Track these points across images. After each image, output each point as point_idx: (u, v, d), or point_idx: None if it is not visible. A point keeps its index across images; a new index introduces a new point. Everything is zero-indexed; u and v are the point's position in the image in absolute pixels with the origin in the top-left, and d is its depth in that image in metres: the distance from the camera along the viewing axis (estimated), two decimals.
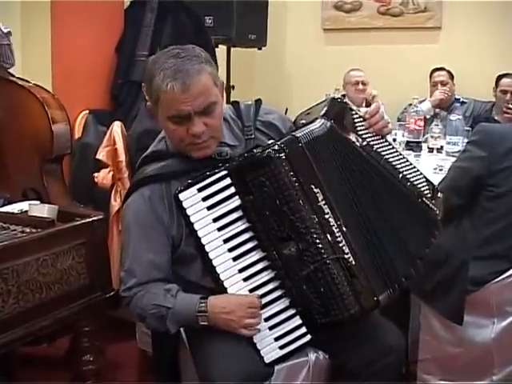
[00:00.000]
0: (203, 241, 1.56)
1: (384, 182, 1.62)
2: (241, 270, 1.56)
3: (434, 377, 2.14)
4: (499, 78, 3.89)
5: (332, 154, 1.57)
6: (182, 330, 1.64)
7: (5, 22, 2.31)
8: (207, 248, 1.56)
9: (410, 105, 3.43)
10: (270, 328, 1.57)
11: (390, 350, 1.59)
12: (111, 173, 2.45)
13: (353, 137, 1.61)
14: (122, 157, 2.40)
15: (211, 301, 1.54)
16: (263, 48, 4.32)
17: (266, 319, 1.57)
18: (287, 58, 5.10)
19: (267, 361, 1.57)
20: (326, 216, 1.52)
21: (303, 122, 1.62)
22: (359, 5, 4.85)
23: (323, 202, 1.52)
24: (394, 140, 3.16)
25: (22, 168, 2.35)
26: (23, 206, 1.93)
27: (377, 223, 1.59)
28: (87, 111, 2.96)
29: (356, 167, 1.59)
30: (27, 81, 2.39)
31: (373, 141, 1.64)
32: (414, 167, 1.71)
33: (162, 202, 1.59)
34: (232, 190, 1.55)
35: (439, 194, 1.73)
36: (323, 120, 1.57)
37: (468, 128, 3.10)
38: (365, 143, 1.61)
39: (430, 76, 4.30)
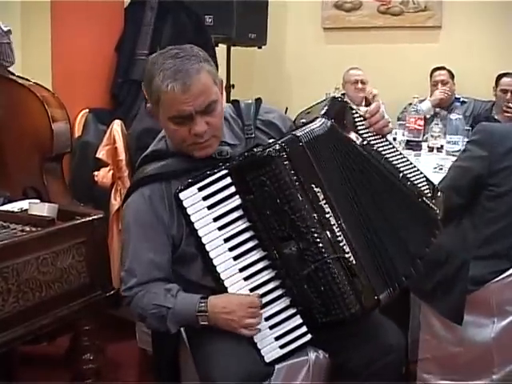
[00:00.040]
0: (204, 240, 1.56)
1: (384, 182, 1.61)
2: (241, 270, 1.56)
3: (434, 376, 2.14)
4: (499, 77, 3.88)
5: (332, 153, 1.57)
6: (182, 329, 1.64)
7: (5, 21, 2.31)
8: (208, 247, 1.56)
9: (410, 104, 3.43)
10: (271, 327, 1.57)
11: (391, 349, 1.59)
12: (111, 171, 2.45)
13: (353, 136, 1.60)
14: (122, 155, 2.40)
15: (211, 301, 1.54)
16: (263, 47, 4.31)
17: (267, 318, 1.56)
18: (287, 56, 5.09)
19: (267, 360, 1.57)
20: (327, 215, 1.52)
21: (303, 121, 1.62)
22: (359, 4, 4.85)
23: (324, 202, 1.52)
24: (394, 139, 3.16)
25: (22, 166, 2.34)
26: (23, 204, 1.92)
27: (377, 222, 1.58)
28: (87, 110, 2.96)
29: (356, 166, 1.59)
30: (27, 79, 2.39)
31: (373, 140, 1.64)
32: (415, 166, 1.71)
33: (162, 201, 1.59)
34: (232, 189, 1.55)
35: (439, 194, 1.72)
36: (324, 119, 1.57)
37: (468, 127, 3.10)
38: (365, 142, 1.61)
39: (431, 75, 4.30)
